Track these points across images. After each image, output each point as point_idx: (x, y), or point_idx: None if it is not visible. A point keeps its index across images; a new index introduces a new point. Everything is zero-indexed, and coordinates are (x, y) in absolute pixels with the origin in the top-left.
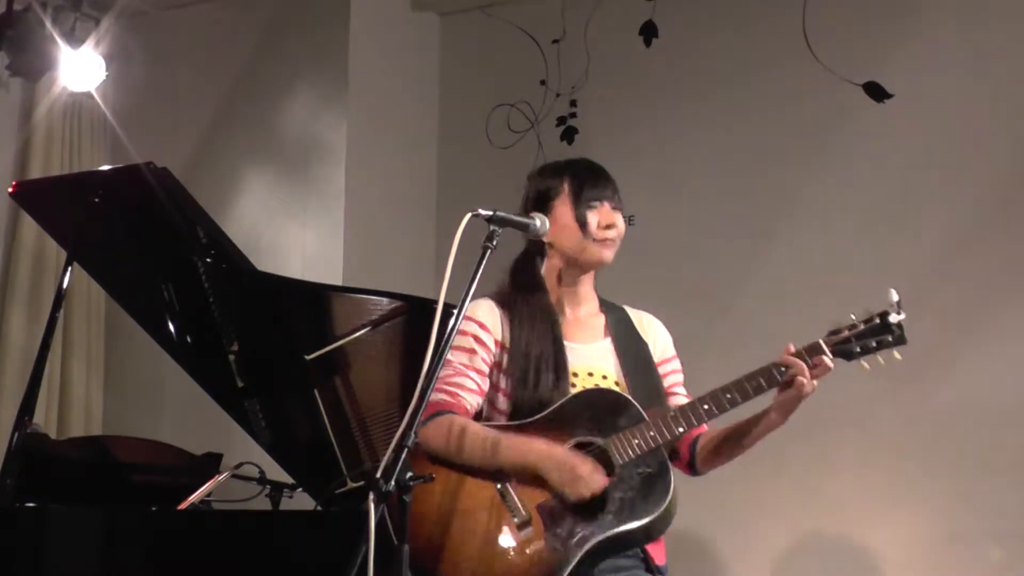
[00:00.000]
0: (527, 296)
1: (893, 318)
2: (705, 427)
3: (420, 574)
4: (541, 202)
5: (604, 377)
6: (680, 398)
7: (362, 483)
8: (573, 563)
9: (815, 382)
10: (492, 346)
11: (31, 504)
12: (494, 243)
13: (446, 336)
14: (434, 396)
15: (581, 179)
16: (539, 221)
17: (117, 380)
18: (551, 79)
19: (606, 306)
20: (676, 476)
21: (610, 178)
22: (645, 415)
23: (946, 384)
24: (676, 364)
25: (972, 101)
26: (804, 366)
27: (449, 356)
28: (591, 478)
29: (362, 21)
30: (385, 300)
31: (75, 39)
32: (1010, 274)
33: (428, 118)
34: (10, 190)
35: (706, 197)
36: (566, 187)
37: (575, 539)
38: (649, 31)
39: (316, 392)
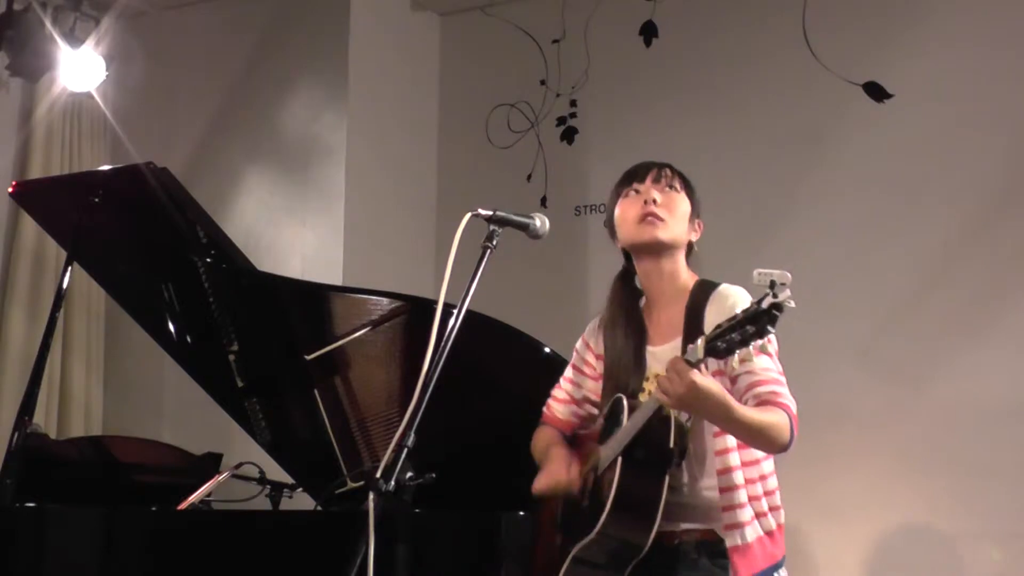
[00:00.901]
0: (615, 309)
1: (764, 303)
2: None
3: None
4: (610, 215)
5: None
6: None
7: (362, 483)
8: (562, 570)
9: (680, 389)
10: (592, 360)
11: (31, 504)
12: (494, 243)
13: (446, 337)
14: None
15: (624, 175)
16: (539, 221)
17: (117, 380)
18: (551, 79)
19: (695, 293)
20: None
21: (653, 164)
22: (625, 422)
23: (946, 384)
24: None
25: (972, 101)
26: (672, 376)
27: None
28: (538, 484)
29: (362, 21)
30: (385, 300)
31: (75, 39)
32: (1010, 274)
33: (428, 118)
34: (10, 190)
35: (705, 196)
36: (618, 188)
37: (564, 550)
38: (649, 31)
39: (316, 392)
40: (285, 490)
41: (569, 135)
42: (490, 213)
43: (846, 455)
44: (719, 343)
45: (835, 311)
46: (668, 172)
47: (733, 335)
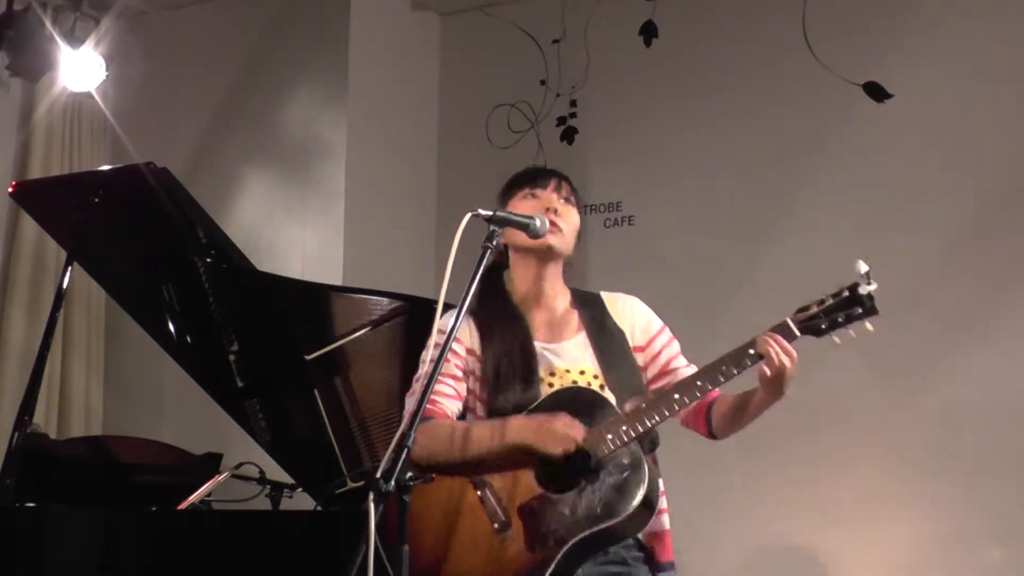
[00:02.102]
0: (492, 304)
1: (863, 289)
2: (718, 391)
3: None
4: (499, 207)
5: (582, 372)
6: (683, 371)
7: (362, 483)
8: (553, 564)
9: (786, 359)
10: (464, 353)
11: (31, 504)
12: (494, 243)
13: (446, 337)
14: (415, 406)
15: (522, 176)
16: (539, 221)
17: (117, 380)
18: (551, 79)
19: (580, 298)
20: (676, 470)
21: (553, 172)
22: (619, 410)
23: (946, 383)
24: (665, 338)
25: (972, 101)
26: (771, 344)
27: (424, 368)
28: (565, 431)
29: (362, 21)
30: (385, 300)
31: (75, 39)
32: (1010, 273)
33: (428, 118)
34: (10, 190)
35: (706, 197)
36: (512, 188)
37: (554, 539)
38: (649, 31)
39: (316, 392)
40: (285, 490)
41: (569, 135)
42: (490, 213)
43: (846, 455)
44: (821, 322)
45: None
46: (567, 185)
47: (836, 316)
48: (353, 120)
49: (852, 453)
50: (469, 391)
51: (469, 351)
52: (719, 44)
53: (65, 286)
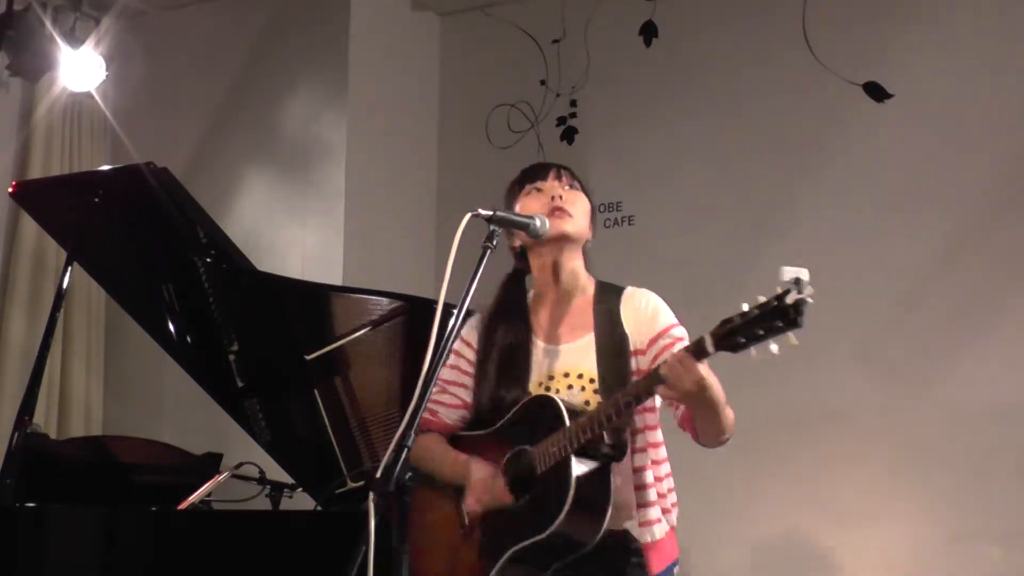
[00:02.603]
0: (503, 308)
1: (790, 298)
2: None
3: None
4: (508, 209)
5: (580, 376)
6: None
7: (362, 483)
8: (494, 571)
9: (687, 383)
10: (472, 357)
11: (31, 504)
12: (494, 243)
13: (446, 337)
14: (412, 408)
15: (522, 175)
16: (539, 221)
17: (117, 380)
18: (551, 79)
19: (601, 293)
20: (676, 470)
21: (551, 164)
22: (567, 422)
23: (946, 383)
24: (667, 339)
25: (972, 101)
26: (676, 368)
27: (439, 372)
28: (477, 499)
29: (362, 21)
30: (385, 300)
31: (75, 39)
32: (1010, 274)
33: (428, 118)
34: (10, 190)
35: (706, 196)
36: (514, 189)
37: (498, 548)
38: (649, 31)
39: (316, 392)
40: (285, 490)
41: (569, 135)
42: (490, 213)
43: (846, 455)
44: (738, 337)
45: (834, 312)
46: (567, 173)
47: (756, 329)
48: (353, 120)
49: (852, 452)
50: (472, 397)
51: (478, 354)
52: (719, 44)
53: (65, 286)
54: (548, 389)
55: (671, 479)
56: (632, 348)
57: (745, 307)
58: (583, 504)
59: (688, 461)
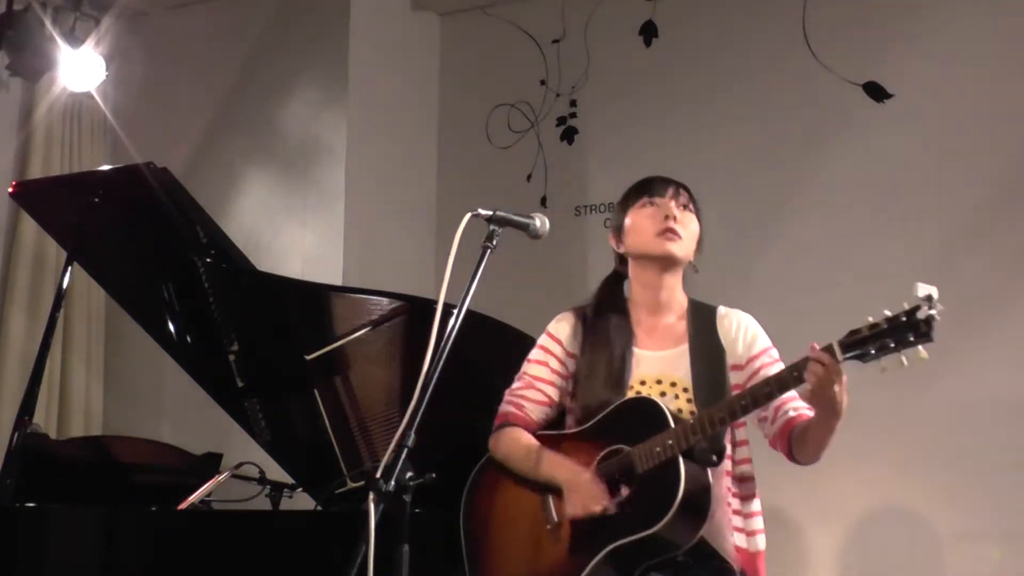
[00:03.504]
0: (604, 311)
1: (921, 314)
2: (805, 413)
3: (475, 571)
4: (619, 220)
5: (673, 384)
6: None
7: (362, 483)
8: (586, 570)
9: (833, 381)
10: (565, 357)
11: (31, 504)
12: (494, 243)
13: (446, 337)
14: (503, 407)
15: (641, 184)
16: (539, 221)
17: (117, 380)
18: (551, 79)
19: (695, 309)
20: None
21: (671, 180)
22: (672, 423)
23: (948, 382)
24: (767, 358)
25: (972, 101)
26: (818, 367)
27: (524, 368)
28: (584, 505)
29: (362, 21)
30: (385, 300)
31: (75, 39)
32: (1010, 274)
33: (428, 118)
34: (10, 190)
35: (706, 196)
36: (631, 197)
37: (592, 545)
38: (649, 31)
39: (316, 392)
40: (285, 490)
41: (569, 135)
42: (490, 213)
43: (846, 455)
44: (869, 347)
45: (835, 311)
46: (685, 193)
47: (887, 340)
48: (353, 120)
49: (852, 451)
50: (570, 394)
51: (570, 354)
52: (719, 44)
53: (65, 286)
54: (639, 394)
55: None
56: (730, 362)
57: (871, 319)
58: (688, 506)
59: None
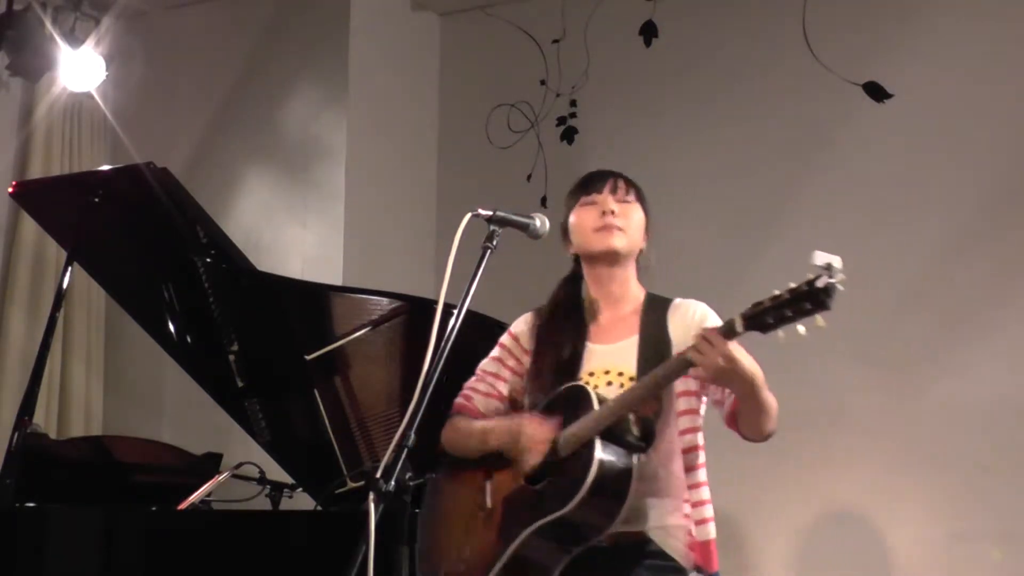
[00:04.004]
0: (559, 309)
1: (820, 283)
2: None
3: (424, 564)
4: (566, 222)
5: (620, 374)
6: None
7: (362, 483)
8: (505, 555)
9: (719, 360)
10: (520, 354)
11: (31, 504)
12: (494, 243)
13: (446, 337)
14: (455, 400)
15: (579, 184)
16: (539, 221)
17: (117, 380)
18: (551, 79)
19: (650, 302)
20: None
21: (608, 173)
22: (596, 407)
23: (947, 382)
24: None
25: (972, 101)
26: (703, 344)
27: (480, 364)
28: (531, 437)
29: (362, 21)
30: (385, 300)
31: (75, 39)
32: (1010, 273)
33: (428, 118)
34: (10, 190)
35: (706, 196)
36: (572, 197)
37: (515, 526)
38: (649, 31)
39: (316, 392)
40: (285, 490)
41: (569, 135)
42: (490, 213)
43: (846, 455)
44: (767, 317)
45: (835, 311)
46: (623, 183)
47: (785, 311)
48: (353, 120)
49: (852, 452)
50: (525, 390)
51: (526, 351)
52: (719, 44)
53: (65, 286)
54: (587, 385)
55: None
56: (675, 352)
57: (776, 292)
58: (603, 487)
59: None
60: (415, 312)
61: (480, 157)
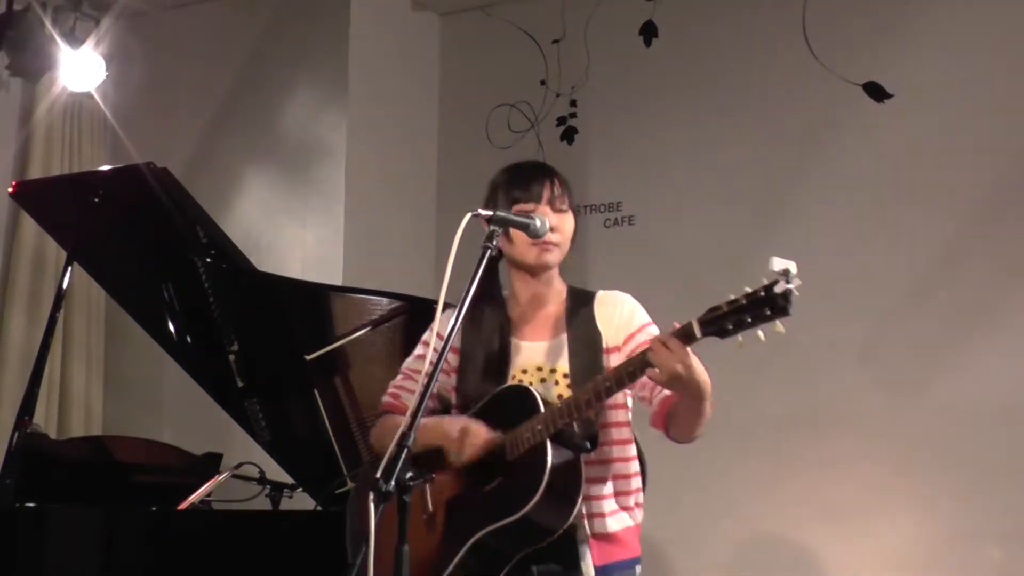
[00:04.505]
0: (481, 302)
1: (778, 288)
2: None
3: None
4: (501, 221)
5: (553, 371)
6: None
7: None
8: (455, 559)
9: (676, 365)
10: (448, 354)
11: (31, 504)
12: (494, 243)
13: (446, 337)
14: (383, 399)
15: (513, 180)
16: (539, 221)
17: (117, 380)
18: (551, 79)
19: (573, 297)
20: (676, 469)
21: (542, 175)
22: (542, 408)
23: (946, 383)
24: (648, 333)
25: (972, 100)
26: (660, 348)
27: (404, 362)
28: (464, 437)
29: (362, 21)
30: (385, 300)
31: (75, 39)
32: (1010, 273)
33: (428, 118)
34: (10, 190)
35: (706, 197)
36: (507, 196)
37: (462, 532)
38: (649, 31)
39: (316, 392)
40: (285, 490)
41: (569, 135)
42: (490, 213)
43: (846, 456)
44: (726, 323)
45: (835, 312)
46: (558, 187)
47: (744, 316)
48: (353, 120)
49: (852, 452)
50: (453, 387)
51: (454, 349)
52: (719, 44)
53: (65, 286)
54: (520, 382)
55: (639, 479)
56: (605, 346)
57: (732, 296)
58: (556, 490)
59: (688, 460)
60: (415, 312)
61: (480, 157)
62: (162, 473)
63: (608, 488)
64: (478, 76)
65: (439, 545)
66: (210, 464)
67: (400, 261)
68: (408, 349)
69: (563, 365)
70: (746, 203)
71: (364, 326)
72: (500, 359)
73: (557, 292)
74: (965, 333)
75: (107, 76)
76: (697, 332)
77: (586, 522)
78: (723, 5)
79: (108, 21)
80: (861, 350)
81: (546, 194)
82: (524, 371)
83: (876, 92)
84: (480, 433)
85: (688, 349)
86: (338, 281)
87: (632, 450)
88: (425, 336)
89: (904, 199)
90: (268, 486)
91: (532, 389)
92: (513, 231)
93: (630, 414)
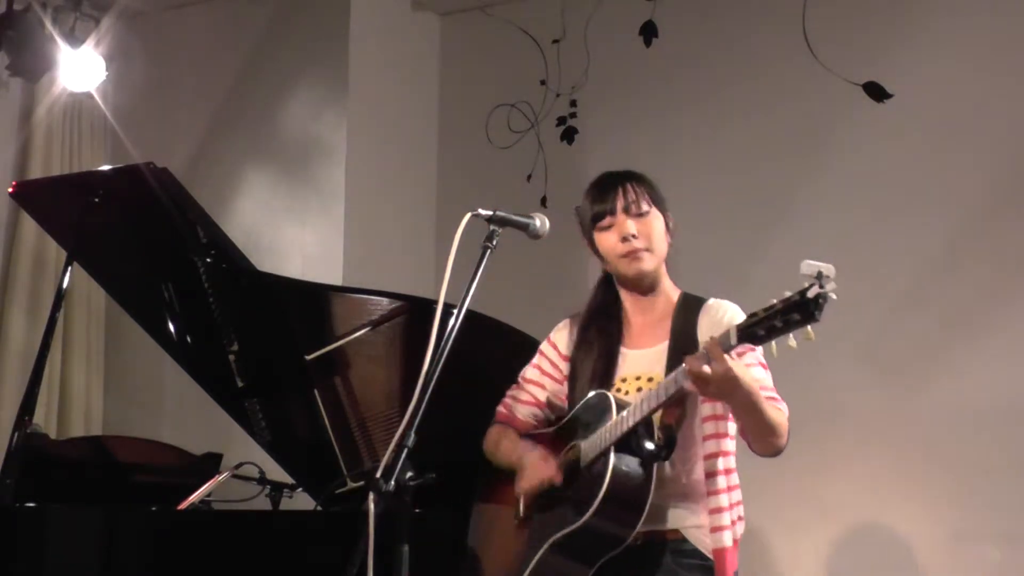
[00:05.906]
0: (595, 314)
1: (811, 293)
2: None
3: (471, 566)
4: (590, 237)
5: (650, 380)
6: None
7: (362, 483)
8: (533, 560)
9: (707, 370)
10: (559, 361)
11: (31, 504)
12: (494, 243)
13: (446, 337)
14: (499, 407)
15: (590, 196)
16: (539, 221)
17: (117, 380)
18: (551, 79)
19: (683, 303)
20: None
21: (616, 182)
22: (614, 415)
23: (946, 383)
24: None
25: (972, 100)
26: (697, 362)
27: (521, 371)
28: (529, 479)
29: (362, 21)
30: (385, 300)
31: (75, 39)
32: (1010, 273)
33: (428, 118)
34: (10, 190)
35: (706, 196)
36: (586, 216)
37: (542, 537)
38: (649, 31)
39: (316, 392)
40: (285, 490)
41: (569, 135)
42: (490, 213)
43: (845, 455)
44: (758, 329)
45: (835, 311)
46: (634, 192)
47: (775, 322)
48: (353, 120)
49: (852, 452)
50: (566, 396)
51: (565, 358)
52: (719, 44)
53: (65, 286)
54: (619, 391)
55: (739, 492)
56: None
57: (773, 301)
58: (618, 498)
59: None
60: (415, 312)
61: (480, 157)
62: (162, 473)
63: (724, 500)
64: (478, 76)
65: (523, 549)
66: (210, 464)
67: (400, 261)
68: (408, 349)
69: (660, 374)
70: (746, 202)
71: (364, 326)
72: (606, 367)
73: (666, 299)
74: (964, 333)
75: (107, 76)
76: (733, 339)
77: (707, 537)
78: (723, 5)
79: (108, 21)
80: (861, 350)
81: (619, 203)
82: (624, 380)
83: (876, 92)
84: (529, 475)
85: (726, 357)
86: (338, 281)
87: (733, 462)
88: (540, 346)
89: (904, 199)
90: (268, 486)
91: (609, 395)
92: (600, 249)
93: (731, 426)
